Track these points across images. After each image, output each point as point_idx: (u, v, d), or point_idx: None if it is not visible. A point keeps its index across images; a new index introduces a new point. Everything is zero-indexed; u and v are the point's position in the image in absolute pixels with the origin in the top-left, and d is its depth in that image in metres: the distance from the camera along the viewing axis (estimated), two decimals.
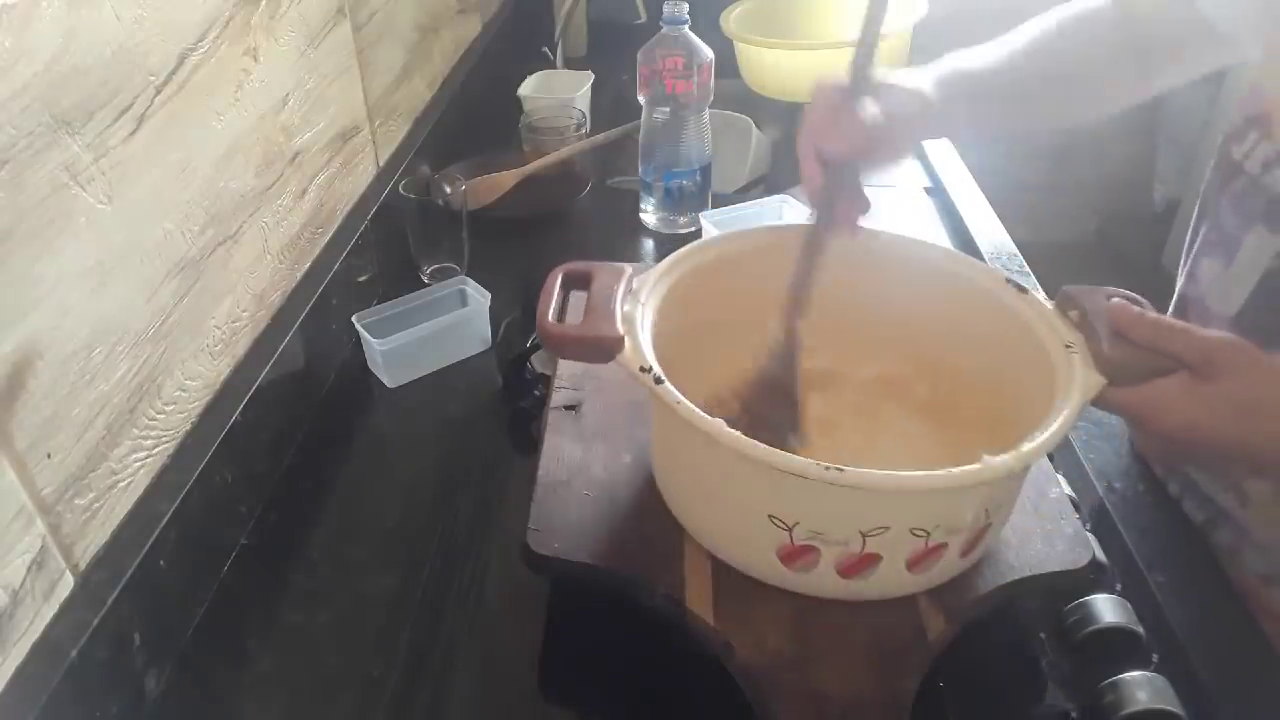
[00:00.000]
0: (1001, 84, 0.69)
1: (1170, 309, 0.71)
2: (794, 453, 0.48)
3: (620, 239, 1.08)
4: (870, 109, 0.58)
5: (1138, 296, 0.55)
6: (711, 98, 1.03)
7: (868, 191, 0.61)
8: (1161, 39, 0.72)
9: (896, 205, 1.14)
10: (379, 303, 0.87)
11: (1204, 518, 0.67)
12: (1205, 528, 0.67)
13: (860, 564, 0.51)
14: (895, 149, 0.63)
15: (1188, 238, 0.70)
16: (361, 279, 0.91)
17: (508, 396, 0.83)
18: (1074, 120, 0.76)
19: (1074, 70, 0.73)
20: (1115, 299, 0.55)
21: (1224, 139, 0.65)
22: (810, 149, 0.60)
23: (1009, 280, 0.59)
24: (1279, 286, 0.59)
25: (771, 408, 0.60)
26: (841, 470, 0.46)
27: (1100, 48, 0.73)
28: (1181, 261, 0.70)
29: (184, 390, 0.64)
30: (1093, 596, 0.58)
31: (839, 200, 0.60)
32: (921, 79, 0.64)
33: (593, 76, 1.32)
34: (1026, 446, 0.47)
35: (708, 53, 1.00)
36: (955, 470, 0.47)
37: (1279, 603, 0.62)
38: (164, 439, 0.62)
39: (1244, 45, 0.67)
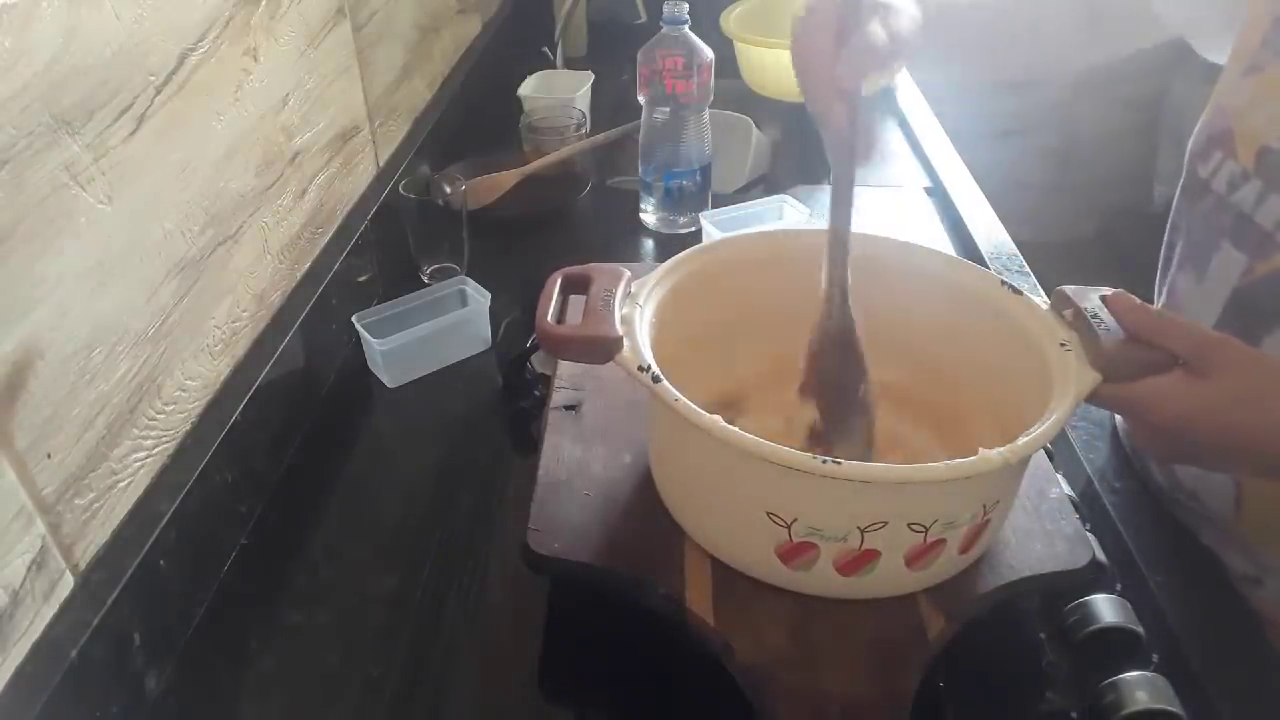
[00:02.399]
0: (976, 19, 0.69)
1: None
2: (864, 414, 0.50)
3: (620, 239, 1.08)
4: (878, 33, 0.54)
5: (1132, 295, 0.56)
6: (711, 98, 1.03)
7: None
8: (1110, 14, 0.74)
9: (897, 205, 1.14)
10: (379, 303, 0.87)
11: (1190, 520, 0.67)
12: (1193, 529, 0.67)
13: (859, 561, 0.51)
14: (895, 71, 0.59)
15: (1162, 253, 0.70)
16: (361, 279, 0.91)
17: (508, 396, 0.83)
18: (1022, 73, 0.78)
19: (1038, 23, 0.74)
20: (1114, 292, 0.55)
21: (1190, 156, 0.65)
22: (824, 82, 0.54)
23: (1004, 282, 0.60)
24: (1249, 304, 0.59)
25: (836, 361, 0.59)
26: (839, 463, 0.46)
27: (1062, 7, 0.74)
28: (1158, 277, 0.71)
29: (184, 390, 0.64)
30: (1093, 596, 0.58)
31: (860, 135, 0.56)
32: None
33: (593, 76, 1.32)
34: (1022, 440, 0.48)
35: (708, 53, 1.00)
36: (951, 463, 0.47)
37: (1267, 602, 0.62)
38: (164, 439, 0.62)
39: (1199, 42, 0.69)
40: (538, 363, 0.81)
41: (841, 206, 0.57)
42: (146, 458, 0.60)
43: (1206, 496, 0.64)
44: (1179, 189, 0.67)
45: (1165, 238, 0.70)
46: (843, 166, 0.56)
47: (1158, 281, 0.71)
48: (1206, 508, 0.64)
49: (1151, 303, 0.71)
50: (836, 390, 0.59)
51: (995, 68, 0.81)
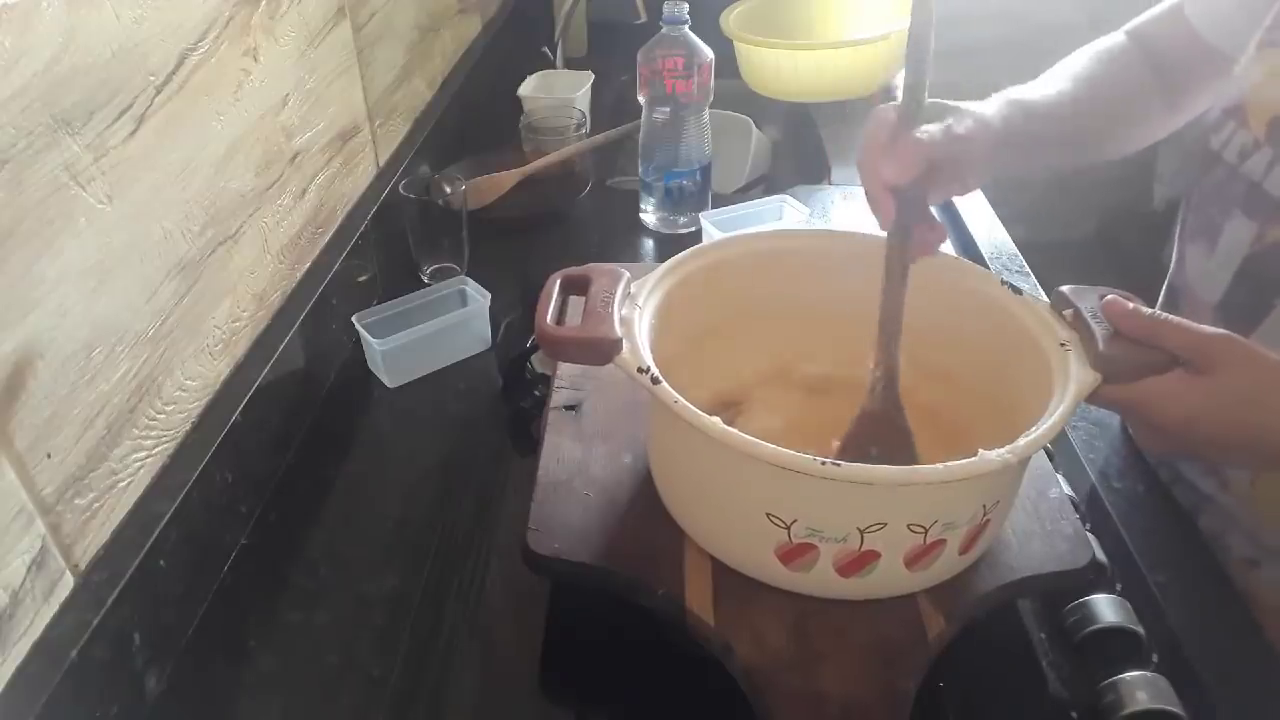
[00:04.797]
0: (1058, 119, 0.69)
1: (1160, 299, 0.72)
2: None
3: (620, 239, 1.08)
4: (931, 129, 0.56)
5: (1131, 296, 0.56)
6: (711, 98, 1.03)
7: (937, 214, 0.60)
8: (1177, 67, 0.73)
9: None
10: (379, 303, 0.87)
11: (1190, 503, 0.67)
12: (1192, 513, 0.67)
13: (859, 561, 0.51)
14: (960, 171, 0.60)
15: (1176, 229, 0.71)
16: (361, 279, 0.91)
17: (508, 396, 0.83)
18: (1114, 155, 0.76)
19: (1116, 108, 0.73)
20: (1109, 297, 0.55)
21: (1203, 130, 0.66)
22: (876, 178, 0.57)
23: (1004, 282, 0.60)
24: (1258, 272, 0.60)
25: (878, 442, 0.58)
26: (839, 465, 0.46)
27: (1132, 84, 0.74)
28: (1173, 252, 0.71)
29: (184, 390, 0.64)
30: (1093, 596, 0.58)
31: (914, 228, 0.57)
32: (983, 106, 0.63)
33: (593, 76, 1.32)
34: (1022, 440, 0.48)
35: (708, 53, 1.00)
36: (951, 464, 0.47)
37: (1264, 585, 0.63)
38: (164, 439, 0.62)
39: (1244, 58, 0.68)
40: (538, 363, 0.81)
41: (892, 299, 0.57)
42: (146, 458, 0.60)
43: (1226, 467, 0.65)
44: (1191, 163, 0.67)
45: (1179, 214, 0.70)
46: (894, 259, 0.57)
47: (1172, 256, 0.71)
48: (1222, 481, 0.65)
49: (1155, 296, 0.71)
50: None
51: (999, 69, 0.80)
